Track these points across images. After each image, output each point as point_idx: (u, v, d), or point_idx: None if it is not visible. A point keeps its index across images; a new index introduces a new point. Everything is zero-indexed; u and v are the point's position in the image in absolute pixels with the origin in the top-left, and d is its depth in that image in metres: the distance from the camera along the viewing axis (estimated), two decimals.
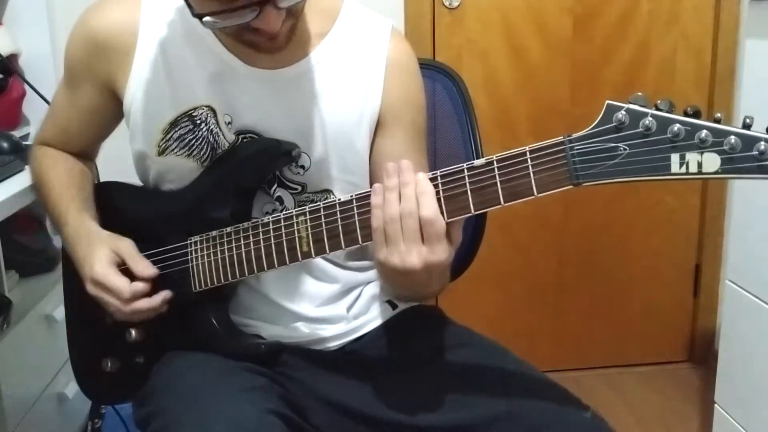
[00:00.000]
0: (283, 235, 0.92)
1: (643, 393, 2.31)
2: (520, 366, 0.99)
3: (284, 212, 0.93)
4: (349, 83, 1.03)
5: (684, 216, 2.37)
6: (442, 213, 0.81)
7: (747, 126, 0.67)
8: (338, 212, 0.87)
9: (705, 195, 2.35)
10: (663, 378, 2.39)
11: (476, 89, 2.16)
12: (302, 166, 1.03)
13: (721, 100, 2.25)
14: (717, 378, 1.76)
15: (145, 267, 0.99)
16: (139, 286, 0.97)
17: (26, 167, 1.27)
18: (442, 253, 0.81)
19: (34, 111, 1.20)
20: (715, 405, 1.76)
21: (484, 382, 0.95)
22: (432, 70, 1.29)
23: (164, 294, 1.00)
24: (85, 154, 1.17)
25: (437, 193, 0.81)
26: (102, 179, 1.20)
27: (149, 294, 0.99)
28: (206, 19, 0.86)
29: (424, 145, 1.11)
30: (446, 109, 1.28)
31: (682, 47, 2.25)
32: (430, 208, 0.80)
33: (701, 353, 2.45)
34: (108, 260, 0.99)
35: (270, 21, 0.87)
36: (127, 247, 1.01)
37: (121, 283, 0.97)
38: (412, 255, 0.81)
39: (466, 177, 0.79)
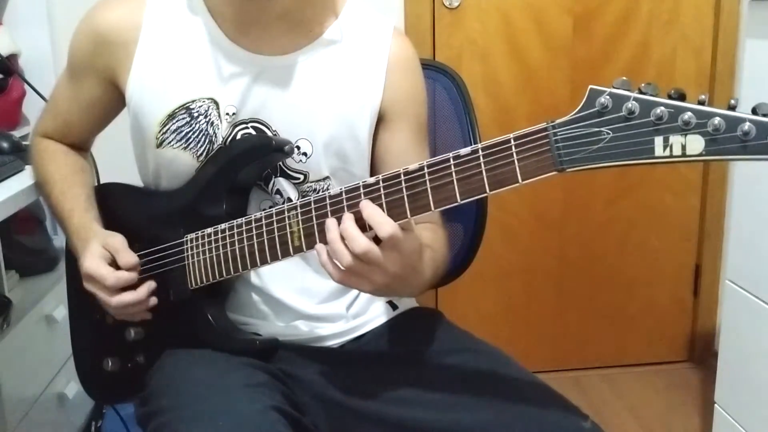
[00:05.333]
0: (275, 230, 0.93)
1: (643, 393, 2.31)
2: (520, 373, 0.99)
3: (276, 207, 0.94)
4: (352, 74, 1.05)
5: (684, 216, 2.37)
6: (428, 204, 0.81)
7: (732, 107, 0.67)
8: (328, 205, 0.87)
9: (705, 195, 2.35)
10: (663, 378, 2.39)
11: (476, 89, 2.17)
12: (304, 153, 1.04)
13: (721, 100, 2.23)
14: (717, 378, 1.76)
15: (127, 258, 1.00)
16: (123, 275, 0.98)
17: (26, 167, 1.27)
18: (392, 266, 0.83)
19: (34, 111, 1.21)
20: (715, 405, 1.76)
21: (484, 386, 0.95)
22: (432, 70, 1.29)
23: (149, 284, 1.01)
24: (82, 145, 1.19)
25: (424, 183, 0.81)
26: (102, 179, 1.21)
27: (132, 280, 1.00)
28: None
29: (426, 139, 1.13)
30: (446, 109, 1.28)
31: (682, 47, 2.25)
32: (357, 243, 0.82)
33: (701, 353, 2.45)
34: (98, 254, 1.00)
35: None
36: (115, 241, 1.02)
37: (105, 271, 0.98)
38: (363, 286, 0.86)
39: (452, 166, 0.80)
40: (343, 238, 0.83)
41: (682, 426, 2.12)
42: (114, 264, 1.00)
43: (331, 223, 0.85)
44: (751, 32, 1.61)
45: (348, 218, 0.84)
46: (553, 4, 2.18)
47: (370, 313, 1.11)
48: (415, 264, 0.88)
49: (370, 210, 0.83)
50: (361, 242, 0.82)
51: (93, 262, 0.99)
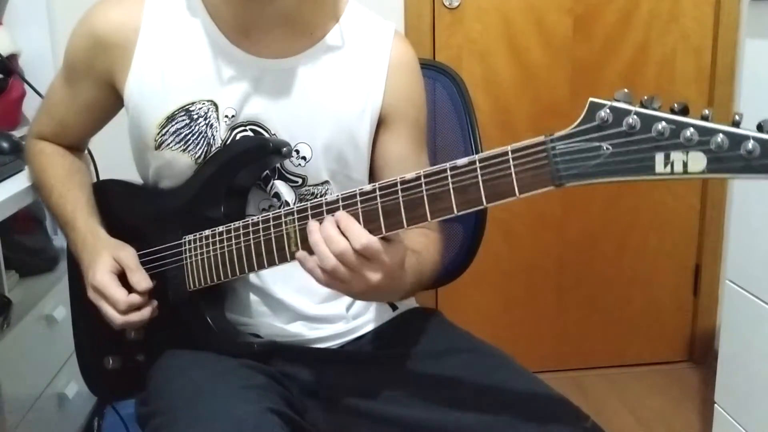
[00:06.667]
0: (272, 234, 0.92)
1: (643, 393, 2.31)
2: (521, 374, 0.99)
3: (273, 211, 0.93)
4: (352, 78, 1.05)
5: (684, 216, 2.37)
6: (425, 215, 0.80)
7: (736, 123, 0.65)
8: (324, 212, 0.87)
9: (705, 195, 2.35)
10: (663, 378, 2.39)
11: (476, 89, 2.16)
12: (303, 158, 1.04)
13: (721, 100, 2.25)
14: (717, 378, 1.76)
15: (140, 279, 0.99)
16: (135, 298, 0.98)
17: (26, 167, 1.27)
18: (373, 276, 0.83)
19: (34, 111, 1.22)
20: (715, 405, 1.76)
21: (484, 387, 0.95)
22: (432, 70, 1.29)
23: (153, 307, 1.01)
24: (78, 146, 1.19)
25: (421, 192, 0.80)
26: (102, 178, 1.21)
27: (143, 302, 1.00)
28: None
29: (425, 144, 1.13)
30: (446, 109, 1.29)
31: (682, 47, 2.25)
32: (336, 243, 0.82)
33: (701, 353, 2.45)
34: (109, 269, 1.00)
35: None
36: (128, 256, 1.01)
37: (119, 294, 0.98)
38: (344, 290, 0.86)
39: (449, 177, 0.78)
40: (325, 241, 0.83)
41: (682, 426, 2.12)
42: (123, 277, 1.00)
43: (313, 225, 0.85)
44: (751, 32, 1.61)
45: (328, 220, 0.84)
46: (553, 4, 2.18)
47: (370, 314, 1.11)
48: (397, 274, 0.87)
49: (345, 222, 0.83)
50: (340, 243, 0.82)
51: (104, 278, 0.99)
